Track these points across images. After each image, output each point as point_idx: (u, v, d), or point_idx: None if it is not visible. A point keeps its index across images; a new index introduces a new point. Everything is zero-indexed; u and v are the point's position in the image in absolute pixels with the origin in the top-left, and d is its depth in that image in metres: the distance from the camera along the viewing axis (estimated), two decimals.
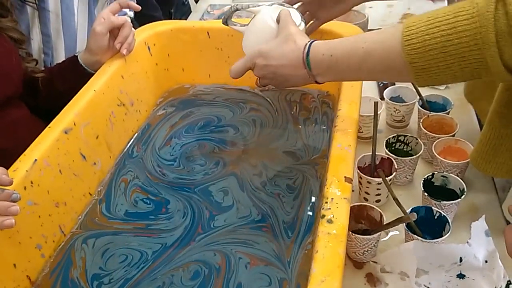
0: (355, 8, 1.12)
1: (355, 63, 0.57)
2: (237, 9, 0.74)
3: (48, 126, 0.70)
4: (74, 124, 0.72)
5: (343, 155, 0.57)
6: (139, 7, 0.85)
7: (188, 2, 1.84)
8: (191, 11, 1.77)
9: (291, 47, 0.63)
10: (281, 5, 0.74)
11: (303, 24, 0.72)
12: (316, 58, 0.60)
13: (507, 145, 0.63)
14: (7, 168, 0.62)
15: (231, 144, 0.83)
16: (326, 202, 0.51)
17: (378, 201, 0.75)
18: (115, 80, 0.83)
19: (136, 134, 0.87)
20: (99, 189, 0.76)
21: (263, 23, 0.71)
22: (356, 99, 0.67)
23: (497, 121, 0.63)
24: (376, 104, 0.76)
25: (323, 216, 0.49)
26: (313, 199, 0.70)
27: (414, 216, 0.56)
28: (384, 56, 0.54)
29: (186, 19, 1.63)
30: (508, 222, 0.70)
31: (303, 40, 0.63)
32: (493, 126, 0.63)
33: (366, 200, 0.75)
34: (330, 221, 0.49)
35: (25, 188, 0.62)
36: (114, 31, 0.83)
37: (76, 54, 0.86)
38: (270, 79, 0.67)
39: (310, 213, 0.68)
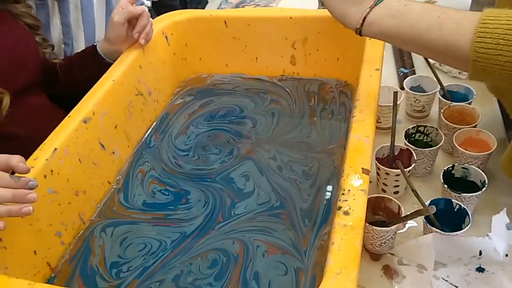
0: None
1: (422, 26, 0.54)
2: None
3: (68, 115, 0.71)
4: (93, 114, 0.73)
5: (361, 146, 0.57)
6: None
7: None
8: (207, 1, 1.77)
9: None
10: None
11: None
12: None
13: None
14: (27, 156, 0.63)
15: (246, 137, 0.83)
16: (343, 194, 0.50)
17: (396, 192, 0.74)
18: (133, 70, 0.83)
19: (154, 123, 0.88)
20: (118, 178, 0.77)
21: None
22: (375, 89, 0.65)
23: None
24: (395, 94, 0.74)
25: (340, 207, 0.49)
26: (330, 188, 0.70)
27: (433, 209, 0.55)
28: (452, 38, 0.52)
29: (202, 8, 1.63)
30: None
31: None
32: None
33: (384, 191, 0.74)
34: (346, 213, 0.48)
35: (45, 176, 0.63)
36: (132, 21, 0.83)
37: (95, 44, 0.87)
38: None
39: (327, 203, 0.68)
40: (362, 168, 0.53)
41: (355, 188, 0.51)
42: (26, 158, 0.62)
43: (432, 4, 0.57)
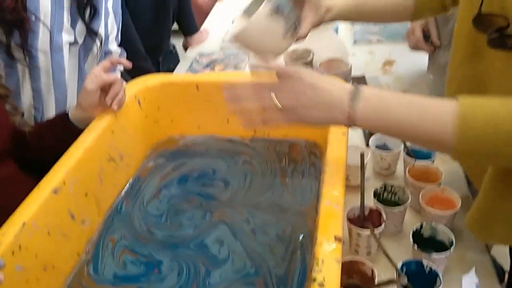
0: (338, 56, 1.17)
1: (406, 127, 0.55)
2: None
3: (37, 186, 0.70)
4: (64, 183, 0.72)
5: (332, 212, 0.58)
6: (130, 65, 0.87)
7: (176, 51, 1.88)
8: (179, 60, 1.81)
9: (337, 80, 0.60)
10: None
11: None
12: (367, 93, 0.56)
13: (503, 217, 0.63)
14: None
15: (219, 200, 0.83)
16: (317, 264, 0.51)
17: (369, 252, 0.75)
18: (105, 135, 0.83)
19: (126, 188, 0.87)
20: (87, 249, 0.75)
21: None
22: (342, 154, 0.68)
23: (493, 193, 0.63)
24: (362, 155, 0.77)
25: (315, 279, 0.49)
26: (305, 253, 0.70)
27: (404, 280, 0.56)
28: (437, 136, 0.53)
29: (174, 68, 1.67)
30: None
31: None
32: (489, 198, 0.63)
33: (357, 252, 0.75)
34: (321, 285, 0.49)
35: (13, 253, 0.61)
36: (105, 87, 0.84)
37: (67, 112, 0.87)
38: (295, 98, 0.58)
39: (301, 268, 0.68)
40: (335, 236, 0.54)
41: (329, 257, 0.52)
42: None
43: (405, 96, 0.56)
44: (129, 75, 1.17)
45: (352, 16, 0.83)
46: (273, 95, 0.58)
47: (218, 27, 1.76)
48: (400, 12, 0.82)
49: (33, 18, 0.90)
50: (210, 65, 1.50)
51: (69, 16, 0.97)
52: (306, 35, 0.78)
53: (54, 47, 0.95)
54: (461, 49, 0.73)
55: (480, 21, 0.60)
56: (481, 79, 0.71)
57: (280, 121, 0.59)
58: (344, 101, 0.56)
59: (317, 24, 0.79)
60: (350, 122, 0.57)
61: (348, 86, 0.58)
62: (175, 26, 1.77)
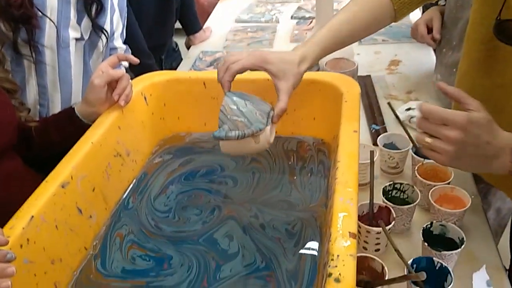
0: (344, 55, 1.17)
1: None
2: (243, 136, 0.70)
3: (45, 180, 0.70)
4: (71, 178, 0.71)
5: (346, 208, 0.58)
6: (137, 60, 0.86)
7: (178, 49, 1.88)
8: (181, 58, 1.81)
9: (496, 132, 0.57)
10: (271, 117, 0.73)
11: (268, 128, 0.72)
12: None
13: None
14: (2, 224, 0.61)
15: (227, 197, 0.83)
16: (332, 259, 0.51)
17: (377, 250, 0.75)
18: (112, 131, 0.83)
19: (132, 184, 0.87)
20: (95, 243, 0.74)
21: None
22: (354, 151, 0.68)
23: None
24: (372, 153, 0.77)
25: (330, 274, 0.49)
26: (314, 246, 0.70)
27: (424, 276, 0.56)
28: None
29: (177, 66, 1.66)
30: None
31: None
32: None
33: (365, 249, 0.75)
34: (337, 280, 0.48)
35: (21, 246, 0.61)
36: (112, 83, 0.84)
37: (73, 106, 0.86)
38: (467, 153, 0.56)
39: (312, 263, 0.67)
40: (349, 232, 0.54)
41: (344, 253, 0.51)
42: (1, 226, 0.60)
43: None
44: (133, 72, 1.17)
45: (333, 46, 0.78)
46: (447, 132, 0.56)
47: (221, 25, 1.76)
48: (381, 19, 0.80)
49: (39, 14, 0.90)
50: (213, 63, 1.50)
51: (76, 12, 0.97)
52: (287, 103, 0.72)
53: (61, 43, 0.94)
54: (473, 53, 0.73)
55: (501, 28, 0.60)
56: (493, 85, 0.71)
57: (440, 159, 0.58)
58: (506, 160, 0.57)
59: (297, 83, 0.74)
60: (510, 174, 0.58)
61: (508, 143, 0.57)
62: (178, 24, 1.77)
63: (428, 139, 0.57)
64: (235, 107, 0.70)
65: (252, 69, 0.73)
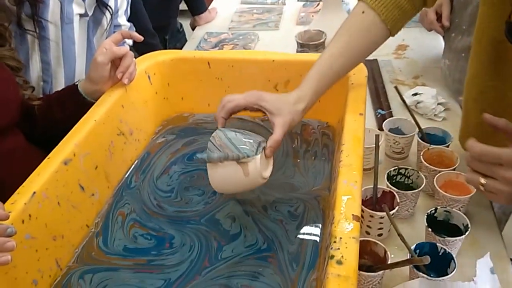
0: None
1: None
2: (227, 158, 0.65)
3: (48, 157, 0.69)
4: (74, 155, 0.71)
5: (350, 191, 0.57)
6: (141, 38, 0.85)
7: (183, 30, 1.86)
8: (186, 39, 1.79)
9: None
10: (264, 147, 0.68)
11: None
12: None
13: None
14: (4, 200, 0.61)
15: None
16: (335, 242, 0.50)
17: (380, 235, 0.74)
18: (116, 109, 0.82)
19: (135, 163, 0.86)
20: (96, 221, 0.74)
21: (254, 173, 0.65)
22: (360, 134, 0.67)
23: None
24: (377, 137, 0.76)
25: (332, 256, 0.49)
26: (317, 230, 0.69)
27: (428, 260, 0.55)
28: None
29: (181, 46, 1.65)
30: None
31: None
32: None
33: (368, 233, 0.74)
34: (339, 262, 0.48)
35: (23, 221, 0.60)
36: (116, 61, 0.82)
37: (76, 83, 0.86)
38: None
39: (314, 246, 0.67)
40: (353, 215, 0.53)
41: (347, 235, 0.51)
42: (3, 202, 0.60)
43: None
44: (137, 51, 1.16)
45: (332, 80, 0.74)
46: (504, 173, 0.54)
47: (227, 6, 1.73)
48: (376, 40, 0.76)
49: None
50: (219, 45, 1.48)
51: None
52: (282, 137, 0.68)
53: (65, 19, 0.93)
54: (483, 56, 0.72)
55: None
56: (505, 87, 0.70)
57: (496, 199, 0.57)
58: None
59: (294, 122, 0.70)
60: None
61: None
62: (183, 5, 1.75)
63: (483, 180, 0.55)
64: (223, 137, 0.66)
65: (247, 107, 0.71)
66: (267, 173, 0.69)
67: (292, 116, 0.69)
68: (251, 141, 0.67)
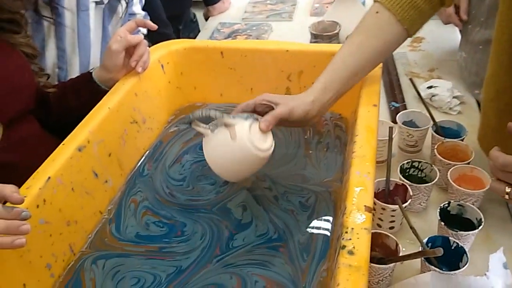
0: None
1: None
2: (210, 116, 0.66)
3: (62, 143, 0.70)
4: (88, 142, 0.71)
5: (362, 182, 0.57)
6: (155, 26, 0.85)
7: (196, 20, 1.85)
8: (199, 29, 1.78)
9: None
10: (256, 119, 0.67)
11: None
12: None
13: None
14: (19, 184, 0.62)
15: None
16: (347, 232, 0.50)
17: (391, 227, 0.74)
18: (129, 97, 0.82)
19: (148, 151, 0.87)
20: (109, 208, 0.75)
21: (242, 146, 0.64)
22: (373, 125, 0.66)
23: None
24: (391, 129, 0.76)
25: (344, 246, 0.48)
26: (328, 222, 0.69)
27: (440, 252, 0.55)
28: None
29: (194, 36, 1.65)
30: None
31: None
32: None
33: (380, 226, 0.74)
34: (351, 253, 0.48)
35: (37, 206, 0.61)
36: (130, 49, 0.83)
37: (91, 71, 0.86)
38: None
39: (325, 237, 0.67)
40: (365, 206, 0.53)
41: (358, 226, 0.51)
42: (18, 187, 0.61)
43: None
44: (150, 41, 1.16)
45: (348, 78, 0.72)
46: None
47: None
48: (392, 40, 0.74)
49: None
50: (232, 35, 1.48)
51: None
52: (279, 115, 0.67)
53: (81, 6, 0.93)
54: (502, 56, 0.71)
55: None
56: None
57: None
58: None
59: (300, 108, 0.68)
60: None
61: None
62: None
63: (508, 189, 0.56)
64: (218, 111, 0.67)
65: (256, 105, 0.71)
66: (264, 145, 0.65)
67: (297, 103, 0.69)
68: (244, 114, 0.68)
